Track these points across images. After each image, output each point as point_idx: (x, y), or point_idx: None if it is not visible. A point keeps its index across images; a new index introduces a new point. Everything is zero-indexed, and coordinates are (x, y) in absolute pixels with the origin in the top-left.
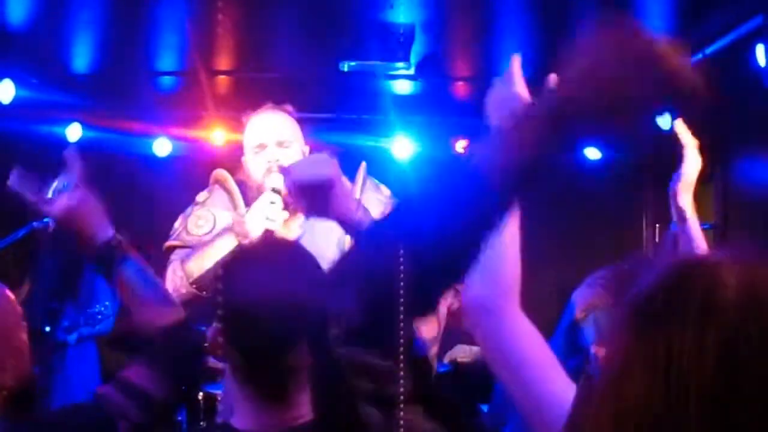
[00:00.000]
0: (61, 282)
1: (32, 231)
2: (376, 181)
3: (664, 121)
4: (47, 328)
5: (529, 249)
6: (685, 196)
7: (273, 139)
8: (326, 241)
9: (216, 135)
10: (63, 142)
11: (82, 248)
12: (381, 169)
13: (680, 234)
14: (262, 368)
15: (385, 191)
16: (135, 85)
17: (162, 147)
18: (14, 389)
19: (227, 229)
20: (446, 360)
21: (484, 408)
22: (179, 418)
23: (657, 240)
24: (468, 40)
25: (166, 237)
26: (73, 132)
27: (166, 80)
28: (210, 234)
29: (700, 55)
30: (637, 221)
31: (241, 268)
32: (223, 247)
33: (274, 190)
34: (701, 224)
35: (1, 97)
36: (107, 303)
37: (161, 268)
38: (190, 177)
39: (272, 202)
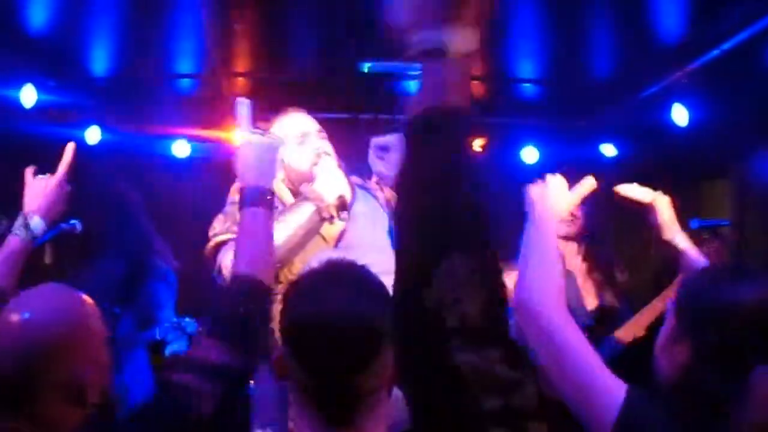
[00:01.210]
0: (124, 287)
1: (60, 233)
2: None
3: (679, 117)
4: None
5: None
6: (675, 234)
7: (314, 128)
8: (373, 231)
9: (235, 136)
10: (83, 145)
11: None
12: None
13: (682, 261)
14: (329, 389)
15: None
16: (154, 87)
17: (181, 149)
18: (98, 405)
19: (301, 200)
20: None
21: None
22: None
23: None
24: (484, 40)
25: (187, 237)
26: (93, 135)
27: (185, 83)
28: None
29: (716, 52)
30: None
31: (307, 286)
32: (301, 215)
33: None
34: (719, 221)
35: (23, 101)
36: (166, 311)
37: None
38: (209, 178)
39: (335, 170)
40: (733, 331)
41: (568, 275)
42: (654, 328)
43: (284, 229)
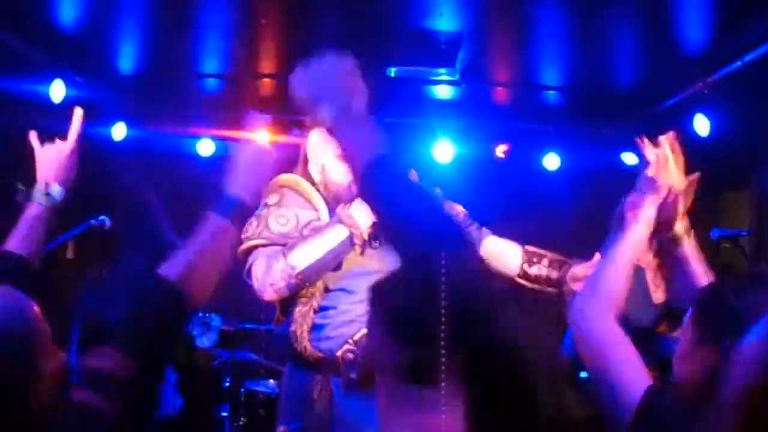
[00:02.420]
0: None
1: (89, 228)
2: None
3: (701, 128)
4: None
5: (565, 251)
6: (678, 224)
7: None
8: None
9: (259, 136)
10: (109, 141)
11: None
12: (423, 173)
13: (678, 261)
14: None
15: (437, 191)
16: (180, 86)
17: (205, 147)
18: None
19: (336, 222)
20: None
21: None
22: (223, 414)
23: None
24: (509, 47)
25: None
26: (119, 131)
27: (211, 82)
28: (295, 231)
29: (738, 64)
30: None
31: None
32: (334, 238)
33: None
34: (739, 231)
35: (52, 96)
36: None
37: None
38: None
39: None
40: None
41: (638, 270)
42: None
43: (316, 251)
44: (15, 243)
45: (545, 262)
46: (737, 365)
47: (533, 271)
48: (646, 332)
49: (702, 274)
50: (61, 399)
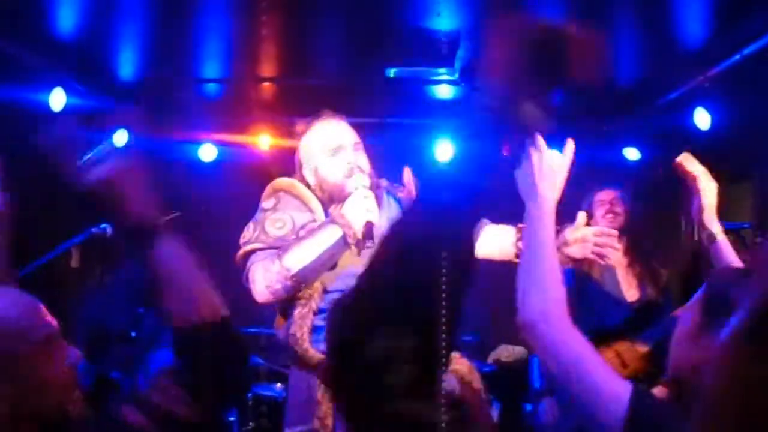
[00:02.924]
0: (146, 288)
1: (90, 236)
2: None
3: (701, 121)
4: (133, 334)
5: None
6: (712, 222)
7: (350, 141)
8: None
9: (261, 140)
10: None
11: (115, 219)
12: (423, 172)
13: (713, 253)
14: None
15: None
16: (181, 92)
17: (208, 153)
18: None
19: (329, 222)
20: (490, 360)
21: (528, 407)
22: (230, 419)
23: (696, 238)
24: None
25: (212, 241)
26: (120, 138)
27: (212, 87)
28: (291, 234)
29: (737, 57)
30: (676, 220)
31: None
32: (327, 238)
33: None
34: (741, 224)
35: (52, 104)
36: None
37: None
38: (235, 182)
39: (366, 197)
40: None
41: (609, 269)
42: None
43: (310, 252)
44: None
45: None
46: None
47: None
48: (621, 331)
49: (733, 262)
50: (74, 392)
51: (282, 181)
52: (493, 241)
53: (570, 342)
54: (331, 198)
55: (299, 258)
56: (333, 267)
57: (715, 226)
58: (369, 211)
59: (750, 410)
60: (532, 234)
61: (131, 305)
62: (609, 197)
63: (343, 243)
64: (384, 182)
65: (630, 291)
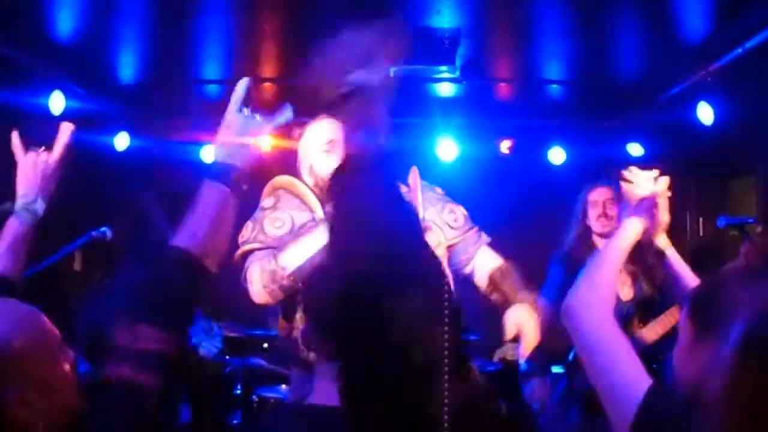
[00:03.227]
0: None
1: (91, 240)
2: (425, 182)
3: (705, 116)
4: None
5: None
6: (660, 238)
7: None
8: None
9: (262, 141)
10: (111, 152)
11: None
12: (426, 171)
13: (667, 269)
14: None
15: (438, 190)
16: (182, 93)
17: (210, 154)
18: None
19: (324, 220)
20: (496, 358)
21: (535, 405)
22: (235, 421)
23: (701, 234)
24: (509, 42)
25: None
26: (122, 141)
27: (212, 88)
28: (291, 233)
29: (739, 51)
30: (680, 216)
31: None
32: (323, 236)
33: None
34: (746, 218)
35: (52, 108)
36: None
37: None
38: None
39: None
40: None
41: None
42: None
43: (305, 250)
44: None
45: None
46: (718, 368)
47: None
48: None
49: (689, 278)
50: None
51: (282, 179)
52: (487, 273)
53: (602, 331)
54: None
55: (294, 257)
56: None
57: (663, 245)
58: None
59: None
60: (612, 239)
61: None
62: (602, 198)
63: None
64: None
65: (624, 289)
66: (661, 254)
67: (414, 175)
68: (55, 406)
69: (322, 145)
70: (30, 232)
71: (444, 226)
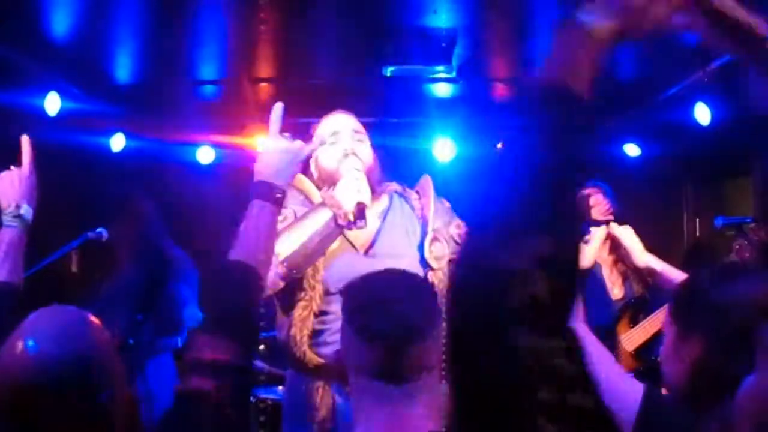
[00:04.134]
0: (145, 295)
1: (86, 241)
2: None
3: (702, 117)
4: (131, 341)
5: None
6: (644, 258)
7: (348, 129)
8: (406, 241)
9: (259, 142)
10: (107, 152)
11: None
12: (423, 171)
13: (662, 283)
14: (386, 357)
15: (446, 203)
16: (178, 94)
17: (205, 155)
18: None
19: (319, 205)
20: None
21: None
22: None
23: (698, 234)
24: (507, 42)
25: (212, 241)
26: (117, 142)
27: (209, 89)
28: None
29: None
30: (677, 216)
31: (363, 280)
32: (317, 220)
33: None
34: (743, 218)
35: (47, 109)
36: (190, 308)
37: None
38: (234, 184)
39: (357, 178)
40: (744, 315)
41: (594, 267)
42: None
43: (300, 235)
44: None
45: None
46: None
47: None
48: (606, 329)
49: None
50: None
51: None
52: None
53: (594, 343)
54: (329, 186)
55: (288, 242)
56: (339, 268)
57: (647, 260)
58: (360, 191)
59: None
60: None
61: (130, 312)
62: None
63: (334, 225)
64: (395, 185)
65: (615, 289)
66: (652, 272)
67: (428, 183)
68: (125, 399)
69: (327, 137)
70: (23, 238)
71: (450, 240)
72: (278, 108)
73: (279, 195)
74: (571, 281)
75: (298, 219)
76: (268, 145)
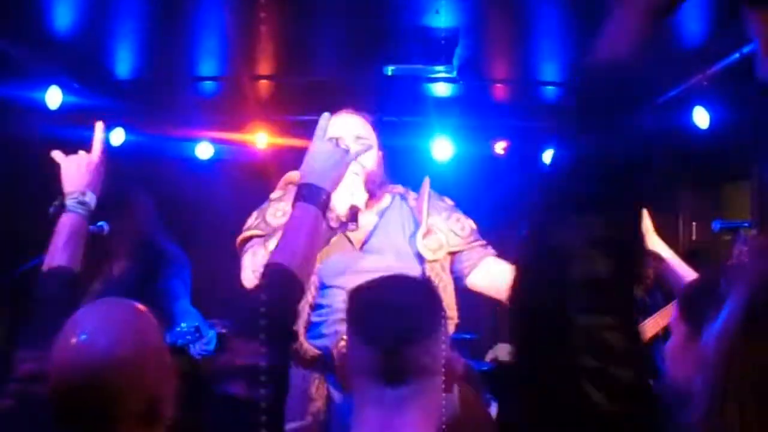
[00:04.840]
0: (137, 289)
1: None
2: (435, 191)
3: (700, 120)
4: None
5: None
6: (656, 245)
7: (350, 133)
8: (401, 237)
9: (258, 138)
10: (107, 147)
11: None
12: (421, 170)
13: (665, 272)
14: (385, 357)
15: (447, 200)
16: (177, 89)
17: (204, 150)
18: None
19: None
20: (488, 359)
21: None
22: None
23: (693, 237)
24: (507, 43)
25: (210, 237)
26: (117, 137)
27: (208, 85)
28: None
29: (736, 55)
30: (673, 219)
31: (367, 282)
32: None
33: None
34: (740, 222)
35: (48, 102)
36: (183, 325)
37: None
38: (232, 179)
39: (352, 181)
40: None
41: None
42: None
43: None
44: (60, 257)
45: None
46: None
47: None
48: None
49: (689, 275)
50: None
51: (293, 174)
52: (492, 280)
53: None
54: None
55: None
56: (334, 262)
57: (658, 248)
58: (353, 194)
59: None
60: None
61: None
62: None
63: (326, 227)
64: (400, 188)
65: None
66: (658, 258)
67: (425, 183)
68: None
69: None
70: (85, 225)
71: (449, 232)
72: (326, 116)
73: (324, 198)
74: (631, 261)
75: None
76: (314, 148)
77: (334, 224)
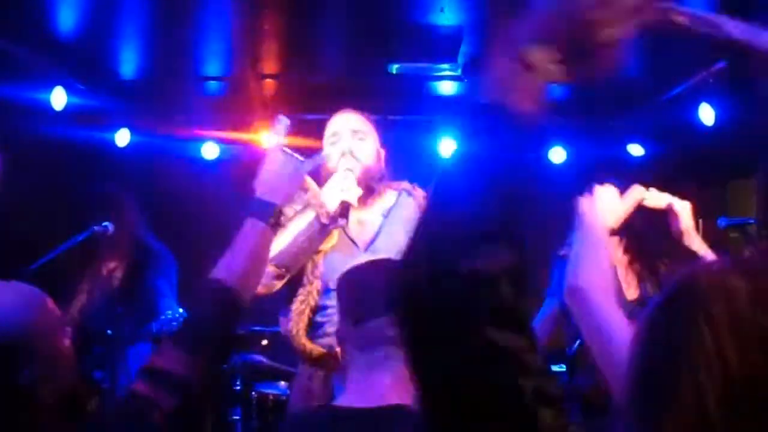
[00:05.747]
0: (124, 291)
1: (93, 234)
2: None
3: (706, 117)
4: (109, 332)
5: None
6: (693, 242)
7: (348, 129)
8: (406, 235)
9: (264, 138)
10: (113, 148)
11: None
12: (426, 169)
13: None
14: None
15: None
16: (182, 90)
17: (210, 150)
18: (61, 399)
19: (306, 206)
20: None
21: None
22: (234, 417)
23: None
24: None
25: (216, 237)
26: (122, 137)
27: (213, 85)
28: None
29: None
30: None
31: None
32: (302, 221)
33: (348, 169)
34: (746, 219)
35: (53, 103)
36: (169, 312)
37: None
38: (238, 179)
39: (345, 177)
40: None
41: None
42: None
43: (286, 235)
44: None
45: None
46: None
47: None
48: None
49: None
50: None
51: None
52: None
53: (605, 311)
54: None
55: (276, 243)
56: (337, 264)
57: (696, 245)
58: (344, 190)
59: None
60: (585, 234)
61: (110, 304)
62: None
63: (318, 223)
64: (406, 184)
65: (630, 290)
66: (696, 257)
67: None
68: (63, 382)
69: (328, 137)
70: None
71: None
72: (283, 121)
73: (274, 215)
74: (525, 286)
75: (288, 219)
76: (267, 160)
77: (324, 220)
